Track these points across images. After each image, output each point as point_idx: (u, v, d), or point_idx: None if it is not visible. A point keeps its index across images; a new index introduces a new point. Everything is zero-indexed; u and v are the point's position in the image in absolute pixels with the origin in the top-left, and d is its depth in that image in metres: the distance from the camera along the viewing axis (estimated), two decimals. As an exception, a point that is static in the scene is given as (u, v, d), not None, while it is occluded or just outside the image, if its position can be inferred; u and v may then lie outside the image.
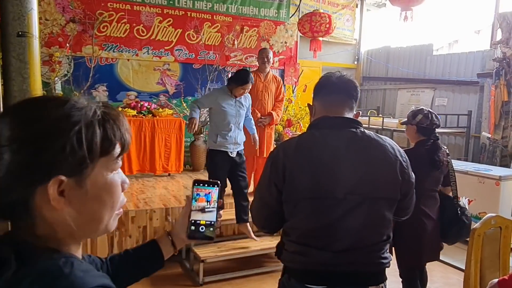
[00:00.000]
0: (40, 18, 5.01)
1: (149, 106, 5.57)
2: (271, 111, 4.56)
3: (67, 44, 5.15)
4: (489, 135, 5.53)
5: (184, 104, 5.99)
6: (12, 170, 0.60)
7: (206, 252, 3.58)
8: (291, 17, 6.77)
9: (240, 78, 3.61)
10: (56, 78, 5.01)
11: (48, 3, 5.06)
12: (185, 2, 5.92)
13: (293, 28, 6.75)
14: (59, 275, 0.57)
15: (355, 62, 8.12)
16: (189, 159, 5.86)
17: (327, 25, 5.53)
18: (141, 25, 5.69)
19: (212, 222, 1.00)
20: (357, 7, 7.75)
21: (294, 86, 7.01)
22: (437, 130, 2.70)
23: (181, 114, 5.89)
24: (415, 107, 6.03)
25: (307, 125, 5.36)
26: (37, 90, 1.07)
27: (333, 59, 7.69)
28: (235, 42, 6.29)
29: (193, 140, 5.83)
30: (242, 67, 5.99)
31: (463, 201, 2.71)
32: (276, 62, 6.79)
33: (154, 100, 5.89)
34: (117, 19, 5.51)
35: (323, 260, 1.38)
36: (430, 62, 6.81)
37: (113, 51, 5.57)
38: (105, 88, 5.60)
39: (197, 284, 3.48)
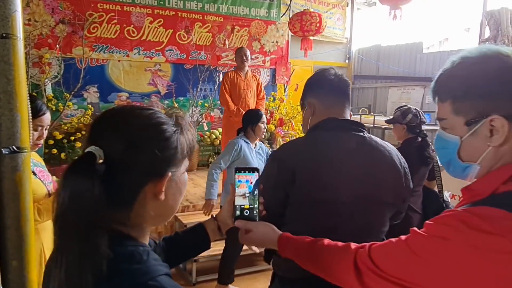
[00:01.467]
0: (29, 20, 5.00)
1: (140, 107, 5.56)
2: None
3: (57, 46, 5.12)
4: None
5: (176, 105, 5.99)
6: (140, 164, 0.70)
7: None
8: (282, 16, 6.80)
9: (255, 115, 3.32)
10: (46, 80, 4.98)
11: (37, 5, 5.04)
12: (175, 2, 5.92)
13: (284, 28, 6.78)
14: (140, 261, 0.68)
15: (346, 61, 8.16)
16: (182, 160, 5.85)
17: (318, 24, 5.56)
18: (132, 25, 5.68)
19: (255, 206, 1.10)
20: (347, 6, 7.79)
21: (285, 85, 7.04)
22: (428, 127, 2.75)
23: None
24: (404, 105, 6.08)
25: (299, 124, 5.37)
26: (23, 91, 1.07)
27: (324, 58, 7.72)
28: (226, 42, 6.29)
29: (185, 141, 5.83)
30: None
31: (446, 195, 2.76)
32: (268, 61, 6.81)
33: (146, 101, 5.89)
34: (107, 20, 5.49)
35: None
36: (420, 60, 6.88)
37: (104, 52, 5.56)
38: (96, 89, 5.58)
39: (190, 283, 3.49)
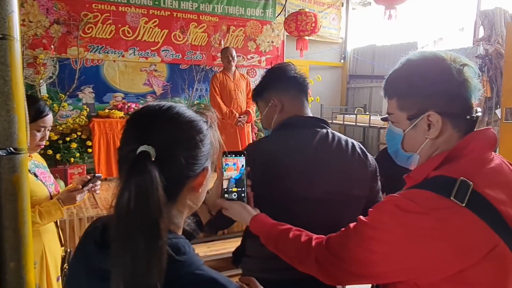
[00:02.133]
0: (23, 20, 4.97)
1: (136, 107, 5.52)
2: (248, 109, 4.60)
3: (52, 46, 5.10)
4: (473, 131, 5.61)
5: (172, 105, 5.97)
6: (186, 160, 0.75)
7: (196, 251, 3.58)
8: (277, 16, 6.80)
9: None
10: (41, 81, 4.95)
11: (31, 5, 5.01)
12: (170, 2, 5.91)
13: (279, 28, 6.79)
14: (184, 252, 0.73)
15: (342, 61, 8.19)
16: (178, 160, 5.85)
17: (313, 24, 5.58)
18: (127, 26, 5.66)
19: (243, 189, 1.13)
20: (342, 6, 7.80)
21: (281, 85, 7.04)
22: None
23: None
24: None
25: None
26: (20, 92, 1.07)
27: (320, 58, 7.74)
28: (222, 42, 6.29)
29: (181, 141, 5.82)
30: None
31: None
32: (263, 61, 6.81)
33: (141, 101, 5.87)
34: (102, 20, 5.47)
35: (289, 265, 1.30)
36: (415, 60, 6.91)
37: (99, 53, 5.53)
38: (92, 90, 5.55)
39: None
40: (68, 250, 1.94)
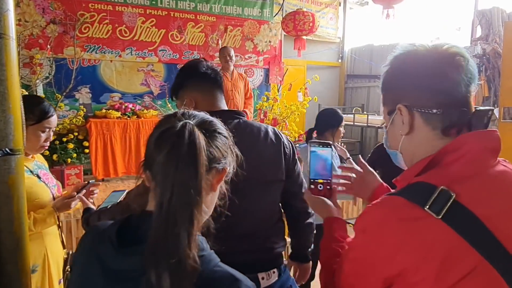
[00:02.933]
0: (19, 20, 4.93)
1: (133, 108, 5.52)
2: (244, 109, 4.57)
3: (48, 46, 5.06)
4: (471, 130, 5.62)
5: (169, 105, 5.95)
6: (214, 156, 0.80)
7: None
8: (274, 16, 6.79)
9: (334, 115, 2.80)
10: (37, 81, 4.91)
11: (27, 4, 4.97)
12: (168, 2, 5.88)
13: (277, 27, 6.78)
14: (202, 248, 0.75)
15: (339, 60, 8.19)
16: (175, 160, 5.83)
17: (311, 24, 5.57)
18: (124, 25, 5.63)
19: (328, 180, 1.09)
20: (340, 5, 7.81)
21: (279, 85, 7.03)
22: None
23: (166, 115, 5.85)
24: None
25: (293, 124, 5.37)
26: (15, 92, 1.05)
27: (317, 57, 7.73)
28: (219, 42, 6.27)
29: (179, 141, 5.80)
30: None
31: None
32: (261, 61, 6.80)
33: (139, 101, 5.84)
34: (99, 20, 5.44)
35: (218, 250, 1.38)
36: (413, 59, 6.91)
37: (96, 53, 5.50)
38: (88, 90, 5.53)
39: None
40: (70, 252, 1.92)
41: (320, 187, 1.09)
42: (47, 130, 1.74)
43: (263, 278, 1.42)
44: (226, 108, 1.52)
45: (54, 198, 1.80)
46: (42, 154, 4.82)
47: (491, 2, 5.49)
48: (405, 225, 0.78)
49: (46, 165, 1.92)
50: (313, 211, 1.57)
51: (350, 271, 0.88)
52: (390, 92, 0.93)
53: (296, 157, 1.52)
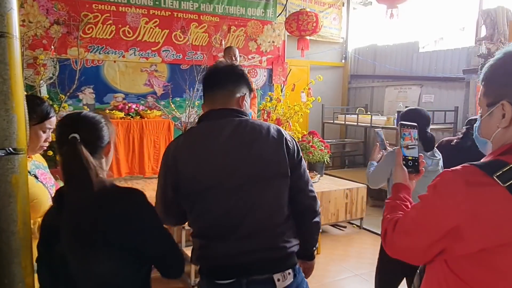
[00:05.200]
0: (23, 21, 4.95)
1: (137, 108, 5.52)
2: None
3: (52, 47, 5.07)
4: (476, 130, 5.58)
5: (173, 105, 5.95)
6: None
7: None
8: (278, 16, 6.78)
9: (425, 116, 2.66)
10: (41, 81, 4.92)
11: (31, 5, 4.99)
12: (171, 2, 5.89)
13: (280, 28, 6.76)
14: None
15: (343, 61, 8.16)
16: (179, 161, 5.82)
17: (314, 24, 5.55)
18: (127, 26, 5.64)
19: (416, 158, 1.26)
20: (343, 5, 7.78)
21: (282, 85, 7.02)
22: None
23: (169, 116, 5.85)
24: (402, 104, 6.08)
25: (296, 124, 5.34)
26: (19, 91, 1.05)
27: (321, 57, 7.71)
28: (223, 42, 6.27)
29: (182, 141, 5.80)
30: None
31: None
32: (264, 61, 6.79)
33: (142, 102, 5.84)
34: (102, 20, 5.45)
35: (226, 252, 1.40)
36: (417, 59, 6.88)
37: (99, 53, 5.51)
38: (92, 91, 5.54)
39: (188, 286, 3.46)
40: None
41: (410, 163, 1.25)
42: (48, 130, 1.75)
43: (278, 280, 1.40)
44: (224, 106, 1.52)
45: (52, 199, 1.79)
46: (45, 154, 4.85)
47: (496, 1, 5.46)
48: (470, 188, 0.89)
49: (45, 164, 1.91)
50: (319, 210, 1.59)
51: (414, 218, 1.00)
52: (495, 85, 0.99)
53: (301, 154, 1.53)
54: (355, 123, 6.46)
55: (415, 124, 1.30)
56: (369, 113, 6.89)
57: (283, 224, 1.46)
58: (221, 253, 1.41)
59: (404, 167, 1.24)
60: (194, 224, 1.51)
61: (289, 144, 1.48)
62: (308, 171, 1.60)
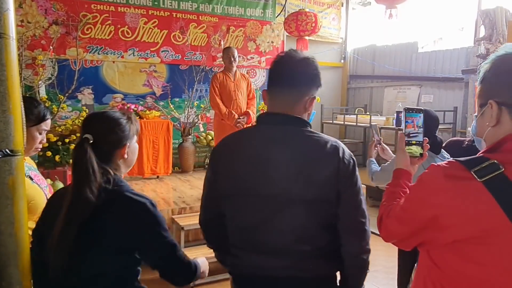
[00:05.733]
0: (22, 21, 4.94)
1: (135, 108, 5.52)
2: (247, 110, 4.54)
3: (51, 47, 5.07)
4: (475, 131, 5.58)
5: (172, 106, 5.95)
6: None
7: (196, 254, 3.55)
8: (277, 16, 6.78)
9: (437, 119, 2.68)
10: (40, 82, 4.92)
11: (30, 5, 4.98)
12: (170, 3, 5.88)
13: (279, 28, 6.76)
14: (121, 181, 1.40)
15: (342, 61, 8.16)
16: (178, 161, 5.82)
17: (313, 24, 5.55)
18: (126, 26, 5.63)
19: (420, 142, 1.27)
20: (342, 6, 7.78)
21: (281, 85, 7.01)
22: None
23: (168, 116, 5.84)
24: (402, 104, 6.07)
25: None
26: (16, 92, 1.04)
27: (320, 58, 7.70)
28: (222, 43, 6.26)
29: (181, 142, 5.79)
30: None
31: None
32: (263, 62, 6.79)
33: (141, 102, 5.84)
34: (101, 20, 5.44)
35: (255, 263, 1.32)
36: (416, 60, 6.87)
37: (98, 53, 5.51)
38: (91, 91, 5.53)
39: (188, 286, 3.45)
40: None
41: (414, 147, 1.26)
42: (44, 132, 1.76)
43: None
44: (291, 109, 1.35)
45: (47, 199, 1.79)
46: (44, 155, 4.82)
47: (495, 1, 5.46)
48: (448, 181, 0.95)
49: (35, 166, 1.91)
50: (368, 246, 1.35)
51: (403, 206, 1.07)
52: (485, 86, 1.04)
53: (357, 182, 1.31)
54: (354, 123, 6.45)
55: (421, 108, 1.30)
56: (368, 113, 6.88)
57: (321, 248, 1.31)
58: (250, 263, 1.33)
59: (406, 152, 1.26)
60: (229, 226, 1.41)
61: (342, 169, 1.28)
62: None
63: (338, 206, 1.28)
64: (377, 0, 4.82)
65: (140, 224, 1.28)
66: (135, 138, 1.43)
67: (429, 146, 1.29)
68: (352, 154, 1.33)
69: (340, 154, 1.28)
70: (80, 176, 1.23)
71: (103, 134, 1.31)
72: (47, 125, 1.77)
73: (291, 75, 1.33)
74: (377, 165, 2.78)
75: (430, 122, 2.60)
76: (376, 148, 2.64)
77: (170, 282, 1.40)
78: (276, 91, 1.36)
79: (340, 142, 1.33)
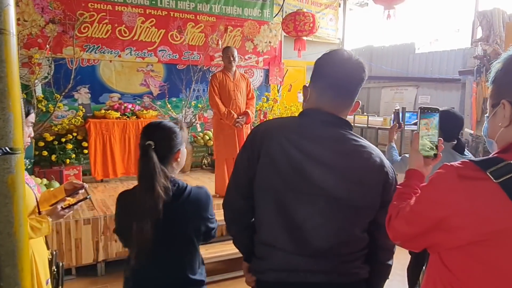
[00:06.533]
0: (18, 19, 4.89)
1: (133, 108, 5.49)
2: (246, 110, 4.53)
3: (47, 46, 5.03)
4: (472, 131, 5.62)
5: (169, 106, 5.92)
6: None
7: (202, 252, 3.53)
8: (275, 16, 6.77)
9: (460, 118, 2.73)
10: (36, 81, 4.88)
11: (26, 4, 4.94)
12: (167, 2, 5.86)
13: (277, 28, 6.75)
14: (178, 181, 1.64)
15: (339, 61, 8.16)
16: (175, 161, 5.79)
17: (311, 24, 5.55)
18: (123, 25, 5.60)
19: (435, 143, 1.23)
20: (340, 6, 7.79)
21: (279, 85, 7.01)
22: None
23: (165, 116, 5.82)
24: (399, 105, 6.08)
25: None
26: (16, 89, 1.02)
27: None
28: (219, 42, 6.25)
29: (178, 142, 5.77)
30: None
31: None
32: (261, 62, 6.78)
33: (138, 102, 5.81)
34: (98, 19, 5.41)
35: (295, 266, 1.27)
36: (413, 61, 6.90)
37: (95, 52, 5.47)
38: (87, 90, 5.49)
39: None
40: (55, 252, 1.91)
41: (428, 147, 1.24)
42: (30, 125, 1.77)
43: None
44: (341, 112, 1.34)
45: (36, 199, 1.79)
46: (40, 154, 4.77)
47: (492, 3, 5.48)
48: (462, 181, 0.92)
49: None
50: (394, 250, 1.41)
51: (413, 207, 1.04)
52: (497, 86, 1.01)
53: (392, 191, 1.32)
54: (352, 124, 6.45)
55: (437, 107, 1.25)
56: (365, 113, 6.89)
57: (358, 252, 1.32)
58: (288, 266, 1.28)
59: (419, 152, 1.23)
60: (258, 221, 1.37)
61: (389, 181, 1.30)
62: None
63: (380, 213, 1.29)
64: (375, 1, 4.82)
65: (202, 210, 1.59)
66: (184, 144, 1.65)
67: (443, 147, 1.25)
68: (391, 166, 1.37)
69: (386, 165, 1.31)
70: (149, 176, 1.45)
71: (162, 141, 1.54)
72: (32, 118, 1.80)
73: (348, 80, 1.31)
74: (398, 153, 2.86)
75: (456, 121, 2.63)
76: (397, 133, 2.78)
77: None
78: (328, 92, 1.32)
79: (379, 150, 1.35)
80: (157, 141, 1.51)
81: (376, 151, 1.32)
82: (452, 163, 0.98)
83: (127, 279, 1.62)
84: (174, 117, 5.88)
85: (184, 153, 1.65)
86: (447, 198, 0.94)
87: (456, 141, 2.59)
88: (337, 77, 1.31)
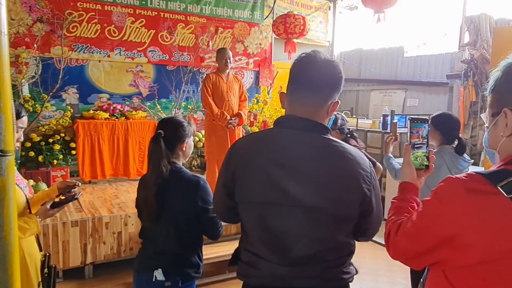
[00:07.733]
0: (5, 18, 4.81)
1: (122, 109, 5.44)
2: (239, 111, 4.53)
3: (35, 45, 4.95)
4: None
5: (158, 106, 5.88)
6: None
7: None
8: (265, 18, 6.78)
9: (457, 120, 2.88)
10: (23, 80, 4.80)
11: (14, 2, 4.86)
12: (158, 2, 5.82)
13: (267, 30, 6.77)
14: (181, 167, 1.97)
15: (329, 64, 8.21)
16: (164, 162, 5.75)
17: (302, 27, 5.57)
18: (113, 25, 5.55)
19: (426, 153, 1.23)
20: (329, 9, 7.83)
21: (269, 87, 7.02)
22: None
23: (155, 117, 5.78)
24: (388, 108, 6.14)
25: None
26: (6, 90, 1.00)
27: (307, 60, 7.73)
28: (210, 44, 6.23)
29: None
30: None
31: None
32: (251, 63, 6.78)
33: (127, 103, 5.76)
34: (87, 19, 5.35)
35: (279, 274, 1.26)
36: (401, 64, 6.96)
37: (84, 52, 5.41)
38: (76, 90, 5.42)
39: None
40: (47, 254, 1.88)
41: (419, 159, 1.23)
42: (20, 130, 1.74)
43: None
44: (315, 114, 1.29)
45: (27, 200, 1.76)
46: (27, 155, 4.68)
47: (479, 8, 5.57)
48: (471, 196, 0.87)
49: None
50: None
51: (415, 223, 0.99)
52: (497, 94, 0.98)
53: (377, 190, 1.29)
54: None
55: (426, 118, 1.25)
56: (354, 116, 6.94)
57: (344, 257, 1.31)
58: (273, 274, 1.27)
59: (412, 164, 1.20)
60: (245, 232, 1.37)
61: (368, 183, 1.25)
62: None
63: (362, 218, 1.28)
64: (365, 4, 4.86)
65: (195, 195, 1.83)
66: (192, 137, 1.96)
67: (435, 158, 1.24)
68: (371, 165, 1.30)
69: (363, 168, 1.25)
70: (155, 157, 1.79)
71: (171, 131, 1.85)
72: (23, 122, 1.77)
73: (316, 78, 1.27)
74: (396, 161, 2.89)
75: (455, 123, 2.75)
76: (393, 145, 2.82)
77: (209, 237, 1.97)
78: (299, 94, 1.30)
79: (360, 153, 1.29)
80: (167, 131, 1.83)
81: (353, 153, 1.26)
82: (457, 175, 0.93)
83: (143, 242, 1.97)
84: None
85: (190, 144, 1.95)
86: (455, 213, 0.88)
87: (457, 141, 2.67)
88: (304, 76, 1.29)
